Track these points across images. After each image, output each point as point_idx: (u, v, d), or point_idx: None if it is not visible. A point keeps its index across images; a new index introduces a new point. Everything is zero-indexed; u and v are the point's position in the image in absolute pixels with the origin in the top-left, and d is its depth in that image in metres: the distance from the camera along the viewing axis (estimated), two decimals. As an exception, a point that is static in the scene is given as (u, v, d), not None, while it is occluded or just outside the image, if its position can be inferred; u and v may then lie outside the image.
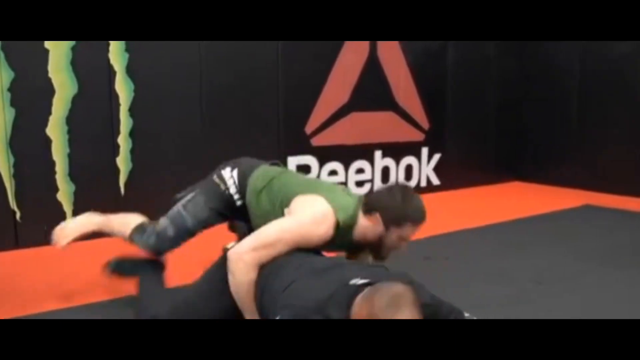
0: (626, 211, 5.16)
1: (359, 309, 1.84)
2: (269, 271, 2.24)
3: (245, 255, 2.24)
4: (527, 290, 3.12)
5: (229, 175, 2.69)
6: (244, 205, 2.67)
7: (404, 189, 2.56)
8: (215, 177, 2.72)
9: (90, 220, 2.92)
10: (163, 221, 2.74)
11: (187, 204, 2.73)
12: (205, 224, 2.76)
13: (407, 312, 1.78)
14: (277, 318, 1.95)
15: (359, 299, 1.86)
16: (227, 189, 2.68)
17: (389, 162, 5.70)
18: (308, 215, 2.34)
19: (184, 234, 2.74)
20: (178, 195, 2.80)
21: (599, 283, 3.23)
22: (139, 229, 2.77)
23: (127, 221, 2.83)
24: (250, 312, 2.31)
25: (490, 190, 6.35)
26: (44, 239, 3.40)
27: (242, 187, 2.66)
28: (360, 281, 1.96)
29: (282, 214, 2.44)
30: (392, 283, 1.89)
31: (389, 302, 1.78)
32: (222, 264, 2.39)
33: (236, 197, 2.68)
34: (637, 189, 5.77)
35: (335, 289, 1.96)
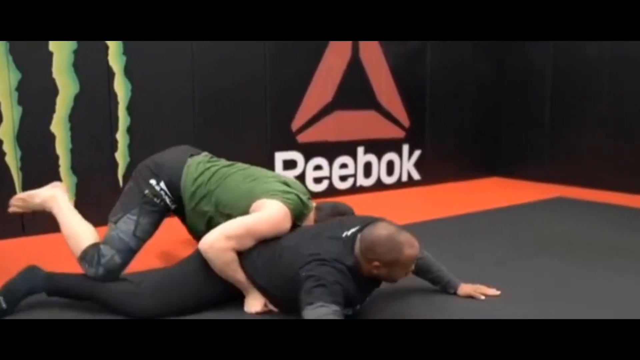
0: (596, 202, 5.49)
1: (364, 260, 2.34)
2: (265, 245, 2.57)
3: (216, 243, 2.50)
4: (486, 269, 3.44)
5: (159, 188, 2.76)
6: (177, 207, 2.85)
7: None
8: (147, 192, 2.74)
9: (47, 205, 2.82)
10: (106, 251, 2.63)
11: (135, 230, 2.70)
12: (148, 238, 2.81)
13: (407, 245, 2.32)
14: (304, 274, 2.29)
15: (356, 249, 2.34)
16: (162, 200, 2.78)
17: (372, 157, 6.02)
18: (274, 214, 2.61)
19: (131, 255, 2.72)
20: (112, 218, 2.73)
21: (554, 264, 3.53)
22: (85, 257, 2.63)
23: (78, 240, 2.68)
24: (241, 285, 2.60)
25: (469, 185, 6.65)
26: (48, 228, 3.72)
27: (175, 195, 2.79)
28: (350, 232, 2.42)
29: (225, 217, 2.69)
30: (376, 229, 2.35)
31: (389, 247, 2.30)
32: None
33: (171, 205, 2.82)
34: (608, 183, 6.09)
35: (339, 243, 2.38)
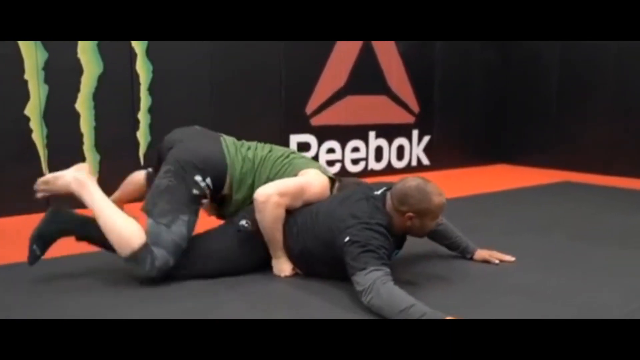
0: (602, 185, 5.62)
1: (397, 212, 2.48)
2: (301, 210, 2.71)
3: (272, 197, 2.62)
4: (498, 239, 3.59)
5: (205, 185, 2.71)
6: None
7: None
8: (196, 192, 2.69)
9: (74, 189, 2.71)
10: (161, 254, 2.60)
11: (188, 232, 2.67)
12: None
13: (435, 194, 2.47)
14: (347, 239, 2.40)
15: (389, 205, 2.50)
16: (206, 197, 2.76)
17: (382, 142, 6.15)
18: (321, 180, 2.80)
19: (180, 253, 2.69)
20: (162, 220, 2.63)
21: (562, 238, 3.68)
22: (136, 259, 2.59)
23: (125, 238, 2.59)
24: (276, 245, 2.72)
25: (476, 171, 6.78)
26: (74, 204, 3.86)
27: (217, 188, 2.77)
28: (379, 191, 2.58)
29: None
30: (406, 182, 2.52)
31: (419, 196, 2.45)
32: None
33: (213, 198, 2.83)
34: (613, 170, 6.23)
35: (369, 202, 2.52)
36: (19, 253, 2.87)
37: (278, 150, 2.97)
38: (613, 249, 3.36)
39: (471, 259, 3.04)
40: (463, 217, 4.23)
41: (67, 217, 2.70)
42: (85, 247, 2.84)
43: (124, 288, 2.61)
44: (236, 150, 2.84)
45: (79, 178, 2.71)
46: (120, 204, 3.05)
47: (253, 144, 2.98)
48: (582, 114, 6.54)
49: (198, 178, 2.69)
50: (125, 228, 2.59)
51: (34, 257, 2.63)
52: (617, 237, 3.65)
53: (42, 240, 2.65)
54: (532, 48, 6.88)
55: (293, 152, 2.99)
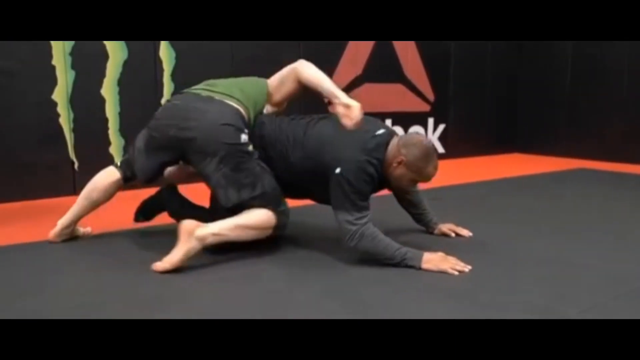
0: (618, 172, 5.68)
1: (396, 152, 2.58)
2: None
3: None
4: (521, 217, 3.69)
5: (247, 135, 2.74)
6: None
7: None
8: (249, 148, 2.71)
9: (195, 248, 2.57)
10: (284, 208, 2.77)
11: (271, 176, 2.77)
12: None
13: (433, 165, 2.60)
14: (341, 173, 2.56)
15: (393, 143, 2.60)
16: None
17: (398, 130, 6.21)
18: None
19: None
20: (257, 191, 2.67)
21: (575, 219, 3.76)
22: (280, 231, 2.77)
23: (263, 230, 2.70)
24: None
25: (491, 159, 6.85)
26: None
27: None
28: (381, 130, 2.69)
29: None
30: (422, 137, 2.70)
31: (422, 153, 2.57)
32: None
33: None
34: (628, 157, 6.29)
35: (371, 139, 2.63)
36: (46, 233, 3.00)
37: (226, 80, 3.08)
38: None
39: (432, 233, 3.21)
40: (478, 198, 4.34)
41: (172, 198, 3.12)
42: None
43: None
44: (227, 90, 2.85)
45: (191, 243, 2.55)
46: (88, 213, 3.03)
47: (211, 82, 3.01)
48: (596, 101, 6.58)
49: (244, 137, 2.70)
50: (255, 223, 2.66)
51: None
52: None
53: (144, 214, 3.20)
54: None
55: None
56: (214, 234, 2.56)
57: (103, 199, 2.99)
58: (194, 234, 2.52)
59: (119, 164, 3.03)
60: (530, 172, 5.70)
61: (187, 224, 2.54)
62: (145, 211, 3.22)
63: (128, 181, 2.97)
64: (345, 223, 2.57)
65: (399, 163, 2.58)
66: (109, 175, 2.99)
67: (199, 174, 2.78)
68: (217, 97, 2.77)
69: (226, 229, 2.60)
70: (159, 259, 2.55)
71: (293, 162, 2.77)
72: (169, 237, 2.66)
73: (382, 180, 2.70)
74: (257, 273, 2.57)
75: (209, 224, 2.57)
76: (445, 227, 3.19)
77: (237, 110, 2.75)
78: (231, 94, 2.81)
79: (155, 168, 2.85)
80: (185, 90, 2.95)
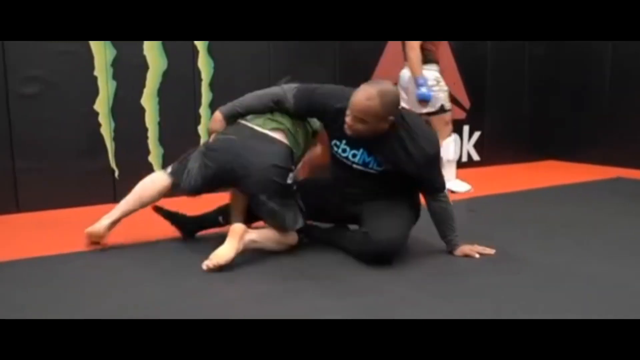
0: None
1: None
2: None
3: None
4: (556, 230, 3.66)
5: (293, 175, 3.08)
6: None
7: None
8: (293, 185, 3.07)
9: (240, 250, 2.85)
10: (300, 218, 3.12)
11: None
12: None
13: (360, 92, 2.80)
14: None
15: None
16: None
17: (433, 137, 6.19)
18: None
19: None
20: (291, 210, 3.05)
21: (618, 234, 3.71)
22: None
23: (287, 242, 3.07)
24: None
25: (526, 167, 6.77)
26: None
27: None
28: None
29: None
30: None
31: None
32: None
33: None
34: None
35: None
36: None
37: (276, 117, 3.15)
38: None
39: (451, 252, 3.08)
40: (516, 209, 4.31)
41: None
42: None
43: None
44: (291, 134, 3.07)
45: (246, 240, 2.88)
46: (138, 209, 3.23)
47: (266, 119, 3.13)
48: (636, 107, 6.46)
49: (290, 178, 3.00)
50: (285, 240, 3.05)
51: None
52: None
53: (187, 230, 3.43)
54: (583, 41, 6.81)
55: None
56: (253, 241, 2.90)
57: (150, 201, 3.23)
58: (244, 237, 2.82)
59: (169, 172, 3.27)
60: (566, 181, 5.63)
61: (238, 227, 2.83)
62: (189, 229, 3.45)
63: (176, 190, 3.21)
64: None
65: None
66: (160, 180, 3.25)
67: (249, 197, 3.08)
68: (271, 134, 3.01)
69: (264, 239, 2.97)
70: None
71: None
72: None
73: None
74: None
75: (251, 231, 2.91)
76: (468, 248, 3.06)
77: (288, 149, 3.02)
78: (289, 130, 3.06)
79: (205, 190, 3.14)
80: (242, 122, 3.12)
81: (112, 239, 3.22)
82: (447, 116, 4.87)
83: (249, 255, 2.92)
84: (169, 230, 3.41)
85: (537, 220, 3.93)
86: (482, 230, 3.55)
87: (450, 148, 4.94)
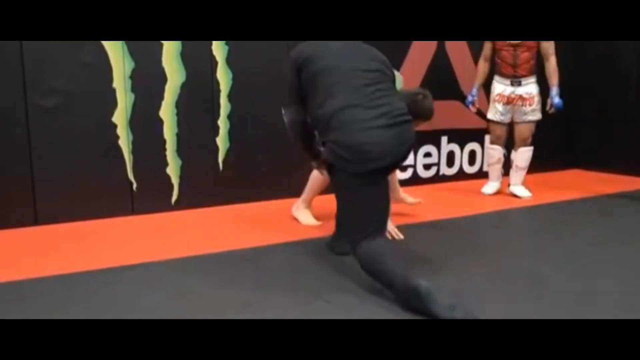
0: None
1: None
2: None
3: None
4: (581, 250, 3.55)
5: None
6: None
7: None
8: None
9: None
10: None
11: None
12: None
13: None
14: None
15: None
16: None
17: (454, 147, 6.12)
18: None
19: None
20: None
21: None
22: None
23: None
24: None
25: (550, 176, 6.66)
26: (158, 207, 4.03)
27: None
28: None
29: None
30: None
31: None
32: None
33: None
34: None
35: None
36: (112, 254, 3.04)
37: None
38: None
39: None
40: (540, 225, 4.21)
41: None
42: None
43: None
44: None
45: None
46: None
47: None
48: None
49: None
50: None
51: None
52: None
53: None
54: (608, 47, 6.70)
55: None
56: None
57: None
58: None
59: None
60: (591, 192, 5.53)
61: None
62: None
63: None
64: None
65: None
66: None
67: None
68: None
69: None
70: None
71: None
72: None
73: None
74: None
75: None
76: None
77: None
78: None
79: None
80: None
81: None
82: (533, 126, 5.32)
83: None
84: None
85: (563, 238, 3.83)
86: (506, 252, 3.47)
87: (525, 155, 5.34)
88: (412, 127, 2.82)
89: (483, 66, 5.37)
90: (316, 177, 4.00)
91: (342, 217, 2.91)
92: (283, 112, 3.07)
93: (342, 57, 2.90)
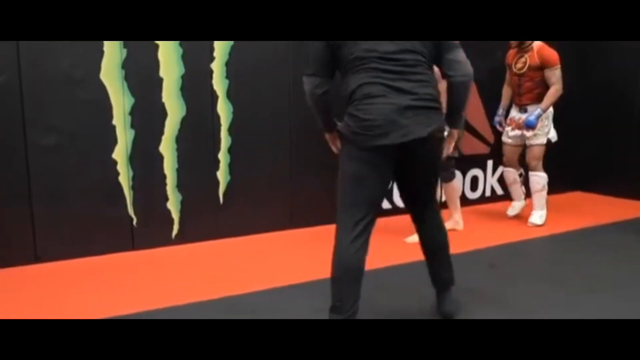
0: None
1: None
2: None
3: None
4: (578, 295, 3.50)
5: None
6: None
7: None
8: None
9: None
10: None
11: None
12: None
13: None
14: None
15: None
16: None
17: (457, 173, 6.08)
18: None
19: None
20: None
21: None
22: None
23: None
24: None
25: (552, 200, 6.61)
26: (158, 242, 4.01)
27: None
28: None
29: None
30: None
31: None
32: None
33: None
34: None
35: None
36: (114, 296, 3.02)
37: None
38: None
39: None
40: (540, 263, 4.18)
41: None
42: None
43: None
44: None
45: None
46: None
47: None
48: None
49: None
50: None
51: None
52: None
53: None
54: (610, 67, 6.67)
55: None
56: None
57: None
58: None
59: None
60: (593, 218, 5.51)
61: None
62: None
63: None
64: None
65: None
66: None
67: None
68: None
69: None
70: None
71: None
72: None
73: None
74: None
75: None
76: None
77: None
78: None
79: None
80: None
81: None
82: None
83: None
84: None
85: (562, 279, 3.80)
86: (504, 293, 3.44)
87: (533, 179, 5.51)
88: (436, 115, 2.71)
89: (506, 90, 5.71)
90: (446, 189, 5.03)
91: (338, 195, 2.78)
92: (304, 79, 2.95)
93: (377, 44, 2.82)
